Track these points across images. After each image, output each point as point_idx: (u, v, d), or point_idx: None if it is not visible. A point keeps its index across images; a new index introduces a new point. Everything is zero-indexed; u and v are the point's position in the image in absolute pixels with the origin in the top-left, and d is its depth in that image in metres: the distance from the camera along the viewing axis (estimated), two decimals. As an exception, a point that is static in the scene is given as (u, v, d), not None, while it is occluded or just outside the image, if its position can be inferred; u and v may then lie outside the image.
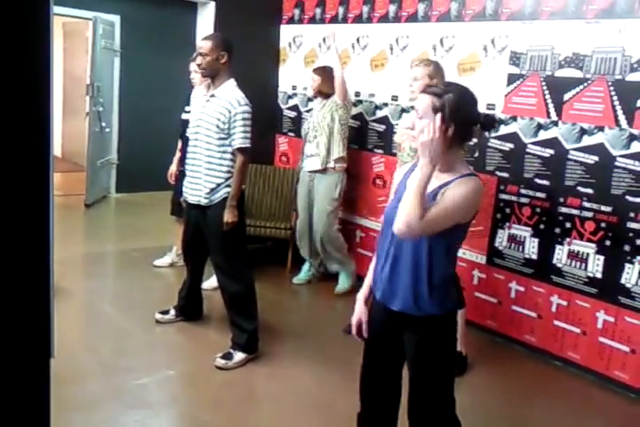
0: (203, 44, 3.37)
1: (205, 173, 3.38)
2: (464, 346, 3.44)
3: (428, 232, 1.94)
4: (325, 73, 4.49)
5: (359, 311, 2.24)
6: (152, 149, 6.67)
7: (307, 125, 4.70)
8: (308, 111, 5.25)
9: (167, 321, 3.86)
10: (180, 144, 4.71)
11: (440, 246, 1.99)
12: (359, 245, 4.86)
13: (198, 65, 3.41)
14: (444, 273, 2.05)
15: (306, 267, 4.84)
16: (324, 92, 4.50)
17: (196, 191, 3.45)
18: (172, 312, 3.89)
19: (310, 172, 4.60)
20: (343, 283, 4.65)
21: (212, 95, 3.37)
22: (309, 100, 5.23)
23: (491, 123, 2.08)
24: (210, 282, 4.44)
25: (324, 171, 4.51)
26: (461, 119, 1.96)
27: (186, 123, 4.50)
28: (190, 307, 3.91)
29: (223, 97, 3.34)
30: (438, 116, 1.91)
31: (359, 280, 2.25)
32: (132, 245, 5.44)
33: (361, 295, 2.26)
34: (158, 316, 3.88)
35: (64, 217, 5.69)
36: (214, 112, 3.33)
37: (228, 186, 3.37)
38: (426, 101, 1.97)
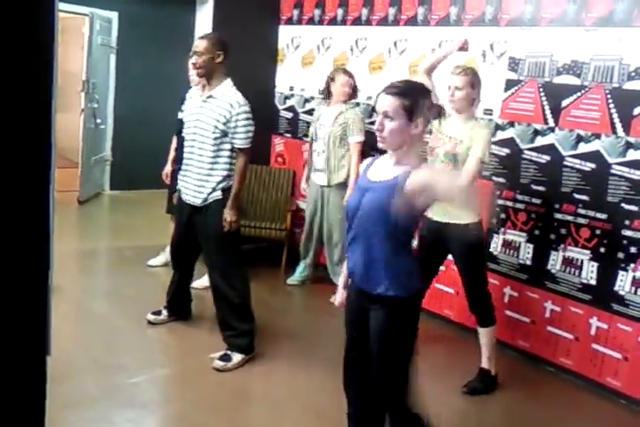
0: (199, 43, 3.37)
1: (204, 174, 3.38)
2: (494, 366, 3.41)
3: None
4: (353, 76, 4.44)
5: (341, 296, 2.45)
6: (147, 146, 6.65)
7: (315, 132, 4.55)
8: (305, 113, 5.25)
9: (160, 322, 3.84)
10: (174, 143, 4.70)
11: (398, 228, 2.10)
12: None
13: (194, 64, 3.39)
14: (398, 257, 2.15)
15: (300, 268, 4.83)
16: (352, 97, 4.45)
17: (189, 191, 3.45)
18: (165, 312, 3.87)
19: (319, 184, 4.54)
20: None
21: (210, 96, 3.36)
22: (307, 100, 5.22)
23: (440, 112, 2.23)
24: (201, 281, 4.43)
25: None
26: (426, 116, 2.10)
27: (182, 122, 4.50)
28: (179, 305, 3.89)
29: (222, 98, 3.33)
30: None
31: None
32: (125, 243, 5.43)
33: (342, 282, 2.46)
34: (151, 317, 3.84)
35: (57, 213, 5.60)
36: (213, 113, 3.32)
37: (222, 188, 3.38)
38: (394, 102, 2.07)
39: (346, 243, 2.32)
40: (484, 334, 3.38)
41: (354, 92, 4.43)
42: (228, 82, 3.39)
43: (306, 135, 5.25)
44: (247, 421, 3.07)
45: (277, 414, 3.02)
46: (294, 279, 4.80)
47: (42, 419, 1.48)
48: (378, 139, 2.12)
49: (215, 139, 3.32)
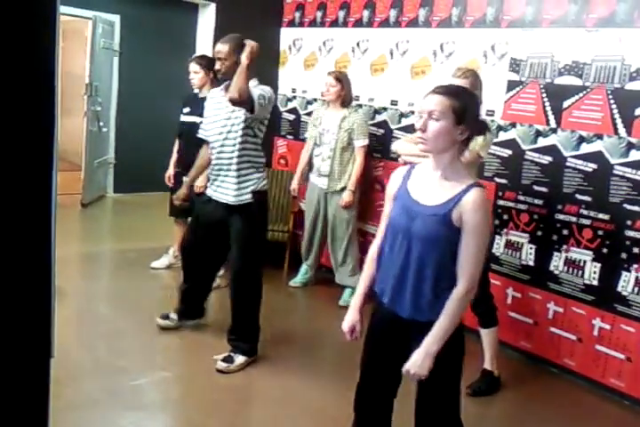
0: (220, 48, 3.22)
1: (234, 171, 3.30)
2: (496, 367, 3.41)
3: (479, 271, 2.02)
4: (345, 78, 4.39)
5: (353, 319, 2.21)
6: (150, 149, 6.67)
7: (319, 137, 4.48)
8: (307, 115, 5.25)
9: (169, 327, 3.77)
10: (177, 145, 4.71)
11: (446, 256, 1.98)
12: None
13: (218, 70, 3.27)
14: (452, 281, 2.00)
15: (303, 270, 4.83)
16: (345, 99, 4.38)
17: (223, 189, 3.36)
18: (174, 316, 3.79)
19: (323, 189, 4.51)
20: (347, 297, 4.48)
21: None
22: (309, 103, 5.23)
23: (485, 128, 2.09)
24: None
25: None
26: (474, 124, 1.97)
27: (184, 124, 4.51)
28: (193, 308, 3.80)
29: None
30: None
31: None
32: (128, 246, 5.43)
33: (356, 303, 2.22)
34: (161, 322, 3.78)
35: (60, 216, 5.60)
36: (240, 113, 3.22)
37: (252, 191, 3.32)
38: (444, 103, 1.94)
39: (383, 261, 2.14)
40: (487, 335, 3.38)
41: (343, 95, 4.36)
42: (253, 82, 3.25)
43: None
44: (249, 422, 3.07)
45: (279, 415, 3.02)
46: (297, 281, 4.80)
47: (46, 421, 1.48)
48: (417, 140, 1.99)
49: (244, 135, 3.25)
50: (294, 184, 4.73)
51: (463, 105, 1.94)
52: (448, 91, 1.99)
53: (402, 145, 3.68)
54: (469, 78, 3.24)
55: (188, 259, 3.72)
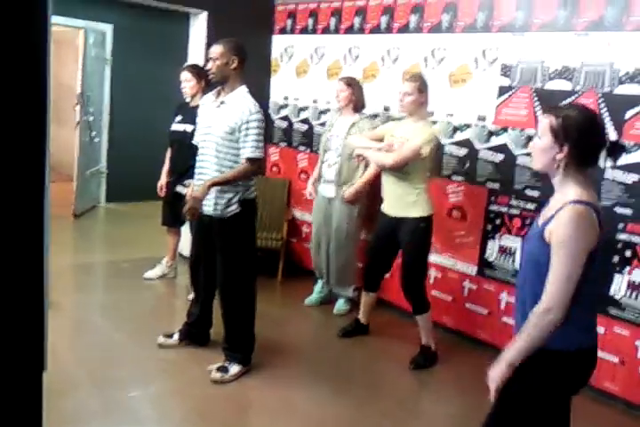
0: (213, 49, 3.24)
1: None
2: (433, 342, 3.72)
3: (572, 290, 1.85)
4: (355, 83, 4.29)
5: None
6: (142, 158, 6.66)
7: (327, 143, 4.38)
8: (300, 122, 5.26)
9: (170, 345, 3.70)
10: (168, 155, 4.70)
11: (542, 277, 1.88)
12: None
13: (208, 70, 3.28)
14: None
15: (317, 287, 4.65)
16: (357, 104, 4.27)
17: (206, 201, 3.28)
18: (176, 337, 3.72)
19: (327, 197, 4.40)
20: (340, 306, 4.48)
21: (223, 102, 3.25)
22: (301, 110, 5.24)
23: (616, 149, 2.00)
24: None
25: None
26: (578, 142, 1.88)
27: (175, 133, 4.51)
28: (198, 329, 3.73)
29: (234, 104, 3.22)
30: None
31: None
32: (121, 256, 5.41)
33: None
34: (162, 340, 3.72)
35: (53, 227, 5.58)
36: (225, 120, 3.20)
37: (239, 200, 3.26)
38: (543, 121, 1.94)
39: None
40: (419, 320, 3.66)
41: (354, 100, 4.25)
42: (243, 88, 3.27)
43: (302, 144, 5.27)
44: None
45: (275, 426, 3.00)
46: (312, 300, 4.59)
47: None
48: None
49: (231, 148, 3.21)
50: (309, 188, 4.58)
51: (561, 123, 1.89)
52: (551, 109, 1.98)
53: (355, 139, 3.95)
54: (417, 82, 3.57)
55: (192, 272, 3.68)
